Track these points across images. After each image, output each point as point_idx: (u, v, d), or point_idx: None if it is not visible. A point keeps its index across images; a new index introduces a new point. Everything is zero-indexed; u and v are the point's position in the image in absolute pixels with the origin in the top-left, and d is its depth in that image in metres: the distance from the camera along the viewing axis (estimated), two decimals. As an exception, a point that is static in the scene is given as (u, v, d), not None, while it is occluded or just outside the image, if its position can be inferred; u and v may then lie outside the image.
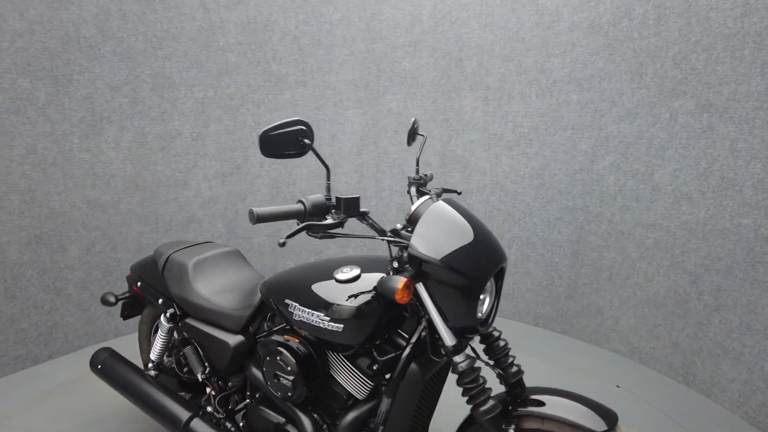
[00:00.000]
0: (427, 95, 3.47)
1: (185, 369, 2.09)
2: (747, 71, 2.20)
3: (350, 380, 1.52)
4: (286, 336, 1.59)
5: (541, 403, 1.33)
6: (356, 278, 1.48)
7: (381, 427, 1.45)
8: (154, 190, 3.25)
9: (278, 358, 1.53)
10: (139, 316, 2.62)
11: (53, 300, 2.92)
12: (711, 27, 2.34)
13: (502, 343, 1.48)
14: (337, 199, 1.36)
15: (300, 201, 1.33)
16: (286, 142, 1.35)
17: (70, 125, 2.86)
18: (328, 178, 1.37)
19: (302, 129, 1.39)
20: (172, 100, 3.23)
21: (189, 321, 1.90)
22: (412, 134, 1.77)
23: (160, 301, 1.99)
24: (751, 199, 2.21)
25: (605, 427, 1.20)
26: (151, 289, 2.06)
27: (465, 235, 1.31)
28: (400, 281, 1.23)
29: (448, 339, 1.30)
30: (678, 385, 2.61)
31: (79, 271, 3.01)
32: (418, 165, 1.70)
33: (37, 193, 2.78)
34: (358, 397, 1.53)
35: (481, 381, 1.29)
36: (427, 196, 1.41)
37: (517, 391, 1.41)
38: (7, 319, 2.71)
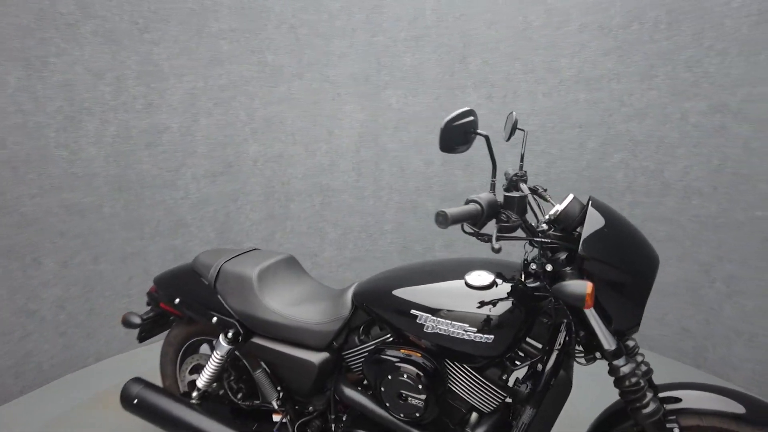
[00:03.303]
0: (430, 92, 3.41)
1: (240, 395, 1.85)
2: (763, 75, 2.40)
3: (476, 393, 1.43)
4: (403, 350, 1.45)
5: (694, 400, 1.30)
6: (492, 284, 1.39)
7: None
8: (140, 192, 2.87)
9: (405, 375, 1.40)
10: (156, 336, 2.28)
11: (25, 324, 2.47)
12: (725, 32, 2.51)
13: (632, 343, 1.47)
14: (510, 198, 1.26)
15: (474, 201, 1.21)
16: (459, 133, 1.23)
17: (45, 116, 2.44)
18: (494, 175, 1.27)
19: (473, 120, 1.27)
20: (160, 90, 2.87)
21: (257, 341, 1.68)
22: (513, 129, 1.70)
23: (215, 319, 1.74)
24: (767, 193, 2.41)
25: None
26: (197, 306, 1.80)
27: (629, 235, 1.28)
28: (587, 286, 1.16)
29: (609, 342, 1.26)
30: (688, 368, 2.79)
31: (56, 287, 2.57)
32: (522, 161, 1.64)
33: (7, 196, 2.33)
34: (484, 410, 1.44)
35: (643, 384, 1.26)
36: (571, 196, 1.35)
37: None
38: (-27, 350, 2.25)
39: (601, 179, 3.06)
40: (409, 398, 1.40)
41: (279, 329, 1.64)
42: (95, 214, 2.69)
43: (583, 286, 1.16)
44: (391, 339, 1.54)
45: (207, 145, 3.09)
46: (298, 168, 3.42)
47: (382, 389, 1.44)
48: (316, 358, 1.60)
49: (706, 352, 2.74)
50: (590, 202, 1.28)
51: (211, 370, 1.76)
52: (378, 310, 1.50)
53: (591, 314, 1.26)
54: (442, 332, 1.35)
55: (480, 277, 1.39)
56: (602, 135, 3.02)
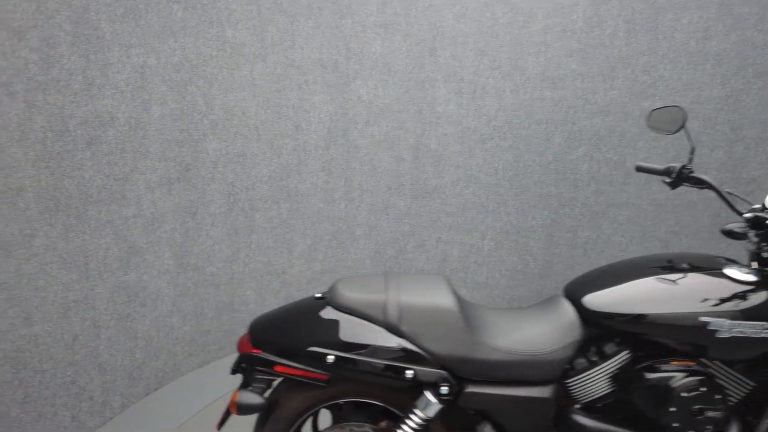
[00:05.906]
0: (400, 84, 3.17)
1: None
2: (709, 81, 2.89)
3: (729, 386, 1.40)
4: (674, 362, 1.32)
5: None
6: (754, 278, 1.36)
7: None
8: (82, 211, 1.97)
9: (701, 388, 1.27)
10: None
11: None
12: (676, 44, 2.95)
13: None
14: None
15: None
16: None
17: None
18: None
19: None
20: (101, 64, 2.00)
21: (472, 389, 1.32)
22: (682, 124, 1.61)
23: (409, 374, 1.29)
24: (717, 179, 2.92)
25: None
26: (370, 362, 1.30)
27: None
28: None
29: None
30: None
31: (-28, 374, 1.59)
32: (692, 154, 1.63)
33: None
34: (730, 401, 1.41)
35: None
36: None
37: None
38: None
39: (567, 171, 3.30)
40: (706, 411, 1.28)
41: (504, 368, 1.31)
42: (24, 249, 1.74)
43: None
44: (630, 354, 1.38)
45: (161, 143, 2.30)
46: (263, 169, 2.81)
47: (672, 410, 1.28)
48: (547, 392, 1.34)
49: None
50: None
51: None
52: (637, 327, 1.33)
53: None
54: (739, 335, 1.28)
55: (739, 271, 1.36)
56: (567, 130, 3.25)
